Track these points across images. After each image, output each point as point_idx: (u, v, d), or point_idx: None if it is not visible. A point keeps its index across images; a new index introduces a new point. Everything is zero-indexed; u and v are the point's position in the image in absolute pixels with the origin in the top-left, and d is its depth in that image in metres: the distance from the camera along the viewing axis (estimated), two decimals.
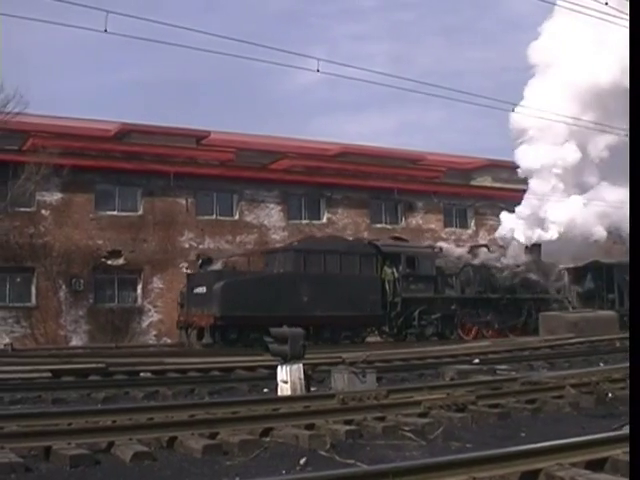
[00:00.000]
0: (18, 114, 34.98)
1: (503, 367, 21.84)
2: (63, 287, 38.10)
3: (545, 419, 12.89)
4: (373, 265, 36.01)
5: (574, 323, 34.38)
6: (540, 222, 40.83)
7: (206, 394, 17.30)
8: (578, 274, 43.18)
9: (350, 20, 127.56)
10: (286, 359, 15.34)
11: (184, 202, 42.11)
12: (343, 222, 46.37)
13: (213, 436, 10.71)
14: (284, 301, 32.02)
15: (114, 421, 11.32)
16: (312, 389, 15.93)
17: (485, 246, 42.47)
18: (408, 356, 25.74)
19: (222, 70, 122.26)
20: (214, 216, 42.97)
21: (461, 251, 41.07)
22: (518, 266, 39.77)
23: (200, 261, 36.76)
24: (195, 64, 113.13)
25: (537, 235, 40.82)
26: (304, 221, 45.46)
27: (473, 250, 41.31)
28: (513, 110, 33.93)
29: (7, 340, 34.43)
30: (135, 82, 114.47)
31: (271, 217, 44.52)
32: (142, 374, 20.96)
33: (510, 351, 27.91)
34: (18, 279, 37.48)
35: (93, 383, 19.12)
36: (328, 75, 22.33)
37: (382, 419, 12.15)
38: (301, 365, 15.42)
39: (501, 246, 41.86)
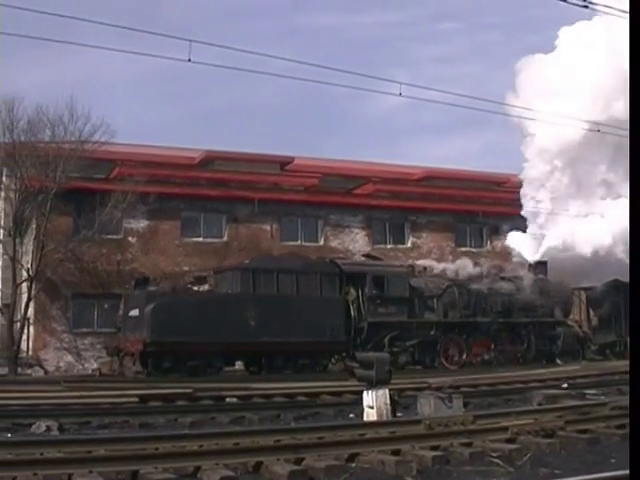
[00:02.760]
0: (105, 143, 35.56)
1: (592, 392, 21.51)
2: None
3: None
4: (335, 286, 32.41)
5: None
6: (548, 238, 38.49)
7: (292, 419, 17.34)
8: (594, 295, 39.22)
9: (433, 42, 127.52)
10: (372, 384, 15.27)
11: (269, 228, 42.28)
12: (428, 246, 46.13)
13: (299, 461, 10.70)
14: (227, 325, 29.10)
15: (201, 446, 11.37)
16: (398, 414, 15.82)
17: (477, 264, 38.32)
18: (495, 381, 25.48)
19: (305, 96, 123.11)
20: (299, 242, 43.04)
21: (448, 270, 37.00)
22: (517, 286, 36.35)
23: (134, 281, 32.79)
24: (278, 90, 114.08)
25: (543, 252, 38.44)
26: (389, 245, 45.32)
27: (464, 269, 37.01)
28: (599, 130, 32.99)
29: (95, 365, 34.83)
30: (219, 109, 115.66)
31: (356, 242, 44.46)
32: (228, 399, 21.05)
33: (599, 375, 27.45)
34: (106, 305, 37.84)
35: (180, 408, 19.27)
36: (411, 99, 22.33)
37: (469, 445, 12.05)
38: (387, 390, 15.34)
39: (499, 264, 39.52)
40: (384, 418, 14.89)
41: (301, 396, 21.83)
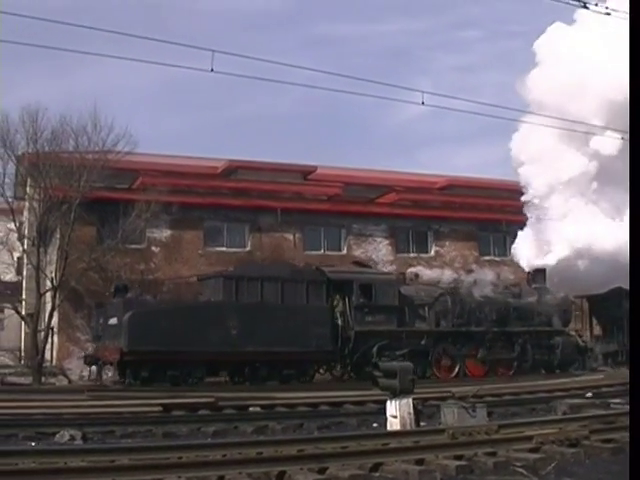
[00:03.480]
0: (128, 153, 35.68)
1: (617, 401, 21.35)
2: None
3: None
4: (322, 294, 31.31)
5: None
6: (548, 244, 36.86)
7: (315, 429, 17.29)
8: (597, 303, 38.43)
9: (455, 51, 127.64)
10: (395, 393, 15.22)
11: (292, 237, 42.30)
12: (451, 255, 46.06)
13: (322, 471, 10.67)
14: (208, 334, 28.13)
15: (224, 455, 11.37)
16: (422, 424, 15.76)
17: (472, 271, 36.82)
18: (519, 390, 25.39)
19: (327, 105, 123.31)
20: (322, 251, 43.04)
21: (442, 278, 35.25)
22: (513, 294, 35.28)
23: (113, 288, 31.67)
24: (300, 100, 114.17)
25: (543, 258, 36.77)
26: (412, 254, 45.27)
27: (459, 277, 35.57)
28: (622, 138, 32.13)
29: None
30: (241, 119, 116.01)
31: (379, 251, 44.44)
32: (251, 408, 21.06)
33: (624, 384, 27.25)
34: None
35: (203, 417, 19.27)
36: (433, 107, 22.31)
37: (493, 454, 11.99)
38: (410, 400, 15.28)
39: (495, 272, 37.69)
40: (408, 427, 14.83)
41: (324, 405, 21.83)
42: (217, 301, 30.14)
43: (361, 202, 46.07)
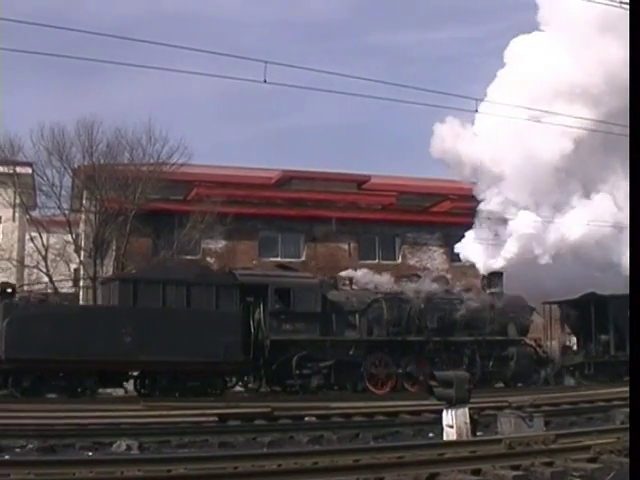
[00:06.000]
0: (183, 165, 35.96)
1: None
2: None
3: None
4: (233, 299, 28.03)
5: None
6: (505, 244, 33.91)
7: (371, 439, 17.23)
8: (565, 310, 35.21)
9: None
10: (451, 403, 15.13)
11: (346, 247, 42.31)
12: None
13: None
14: (98, 342, 25.33)
15: (279, 465, 11.34)
16: (478, 434, 15.65)
17: (416, 275, 33.96)
18: (577, 399, 25.15)
19: (381, 114, 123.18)
20: (377, 260, 42.99)
21: (382, 282, 32.11)
22: (461, 300, 31.66)
23: None
24: (353, 109, 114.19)
25: (501, 261, 33.68)
26: (467, 263, 45.03)
27: (399, 281, 32.52)
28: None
29: None
30: (295, 129, 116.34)
31: (434, 260, 44.32)
32: (307, 419, 21.02)
33: None
34: None
35: (259, 427, 19.26)
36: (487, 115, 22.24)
37: (550, 464, 11.86)
38: (467, 409, 15.18)
39: (442, 275, 35.70)
40: (464, 437, 14.73)
41: (380, 415, 21.74)
42: (109, 306, 27.94)
43: (415, 211, 46.02)
